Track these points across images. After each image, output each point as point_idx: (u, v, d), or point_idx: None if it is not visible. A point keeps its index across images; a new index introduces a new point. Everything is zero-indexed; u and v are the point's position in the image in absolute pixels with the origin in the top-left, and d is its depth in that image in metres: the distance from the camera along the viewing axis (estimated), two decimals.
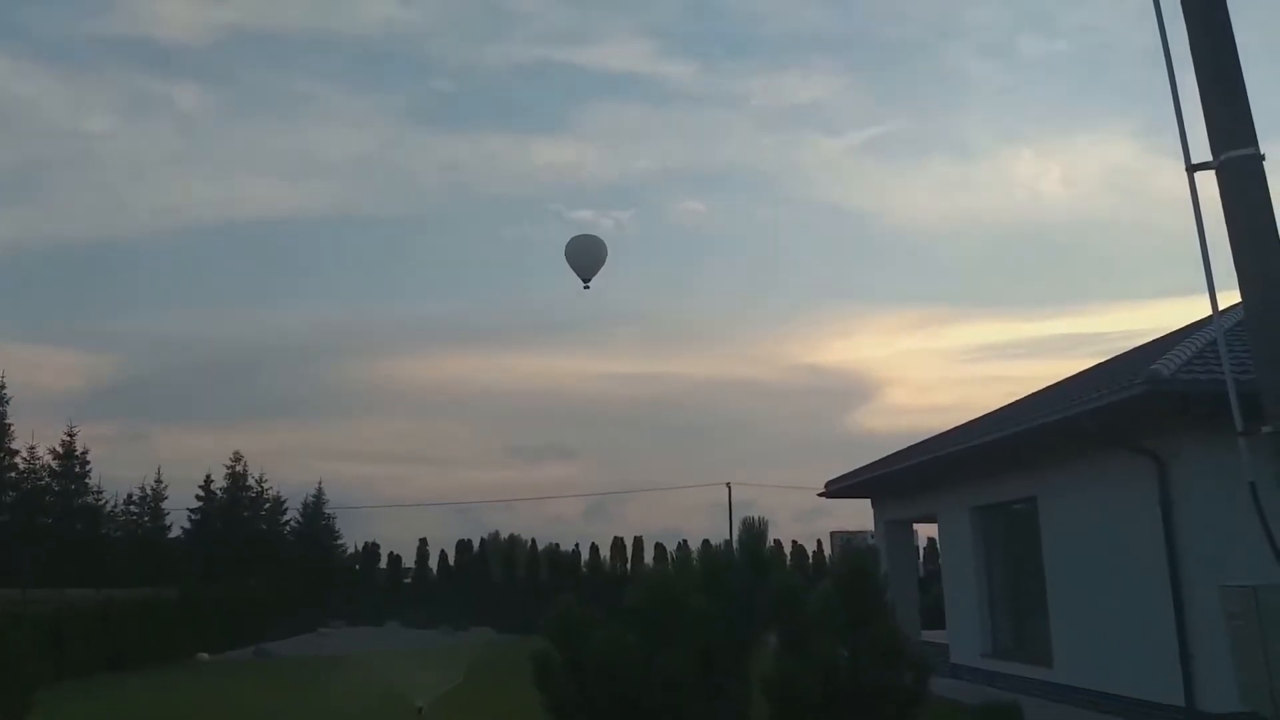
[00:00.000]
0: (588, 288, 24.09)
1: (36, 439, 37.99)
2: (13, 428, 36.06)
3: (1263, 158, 4.95)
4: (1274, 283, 4.86)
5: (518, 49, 63.55)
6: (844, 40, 66.81)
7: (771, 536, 6.18)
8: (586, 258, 24.33)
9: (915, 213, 71.21)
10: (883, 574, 5.50)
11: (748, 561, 5.21)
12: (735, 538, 6.11)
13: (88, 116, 60.93)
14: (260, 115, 64.94)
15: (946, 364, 77.05)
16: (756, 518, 5.53)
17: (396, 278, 75.77)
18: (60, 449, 37.64)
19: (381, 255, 73.68)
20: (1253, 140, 4.93)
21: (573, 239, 24.99)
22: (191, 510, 42.03)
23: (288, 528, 45.08)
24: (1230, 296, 5.55)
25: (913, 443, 19.47)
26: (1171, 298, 60.63)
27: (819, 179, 72.26)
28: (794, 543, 42.38)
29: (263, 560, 39.59)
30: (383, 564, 44.33)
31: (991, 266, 75.51)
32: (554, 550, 44.76)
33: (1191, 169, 5.07)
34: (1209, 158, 5.03)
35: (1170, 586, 10.72)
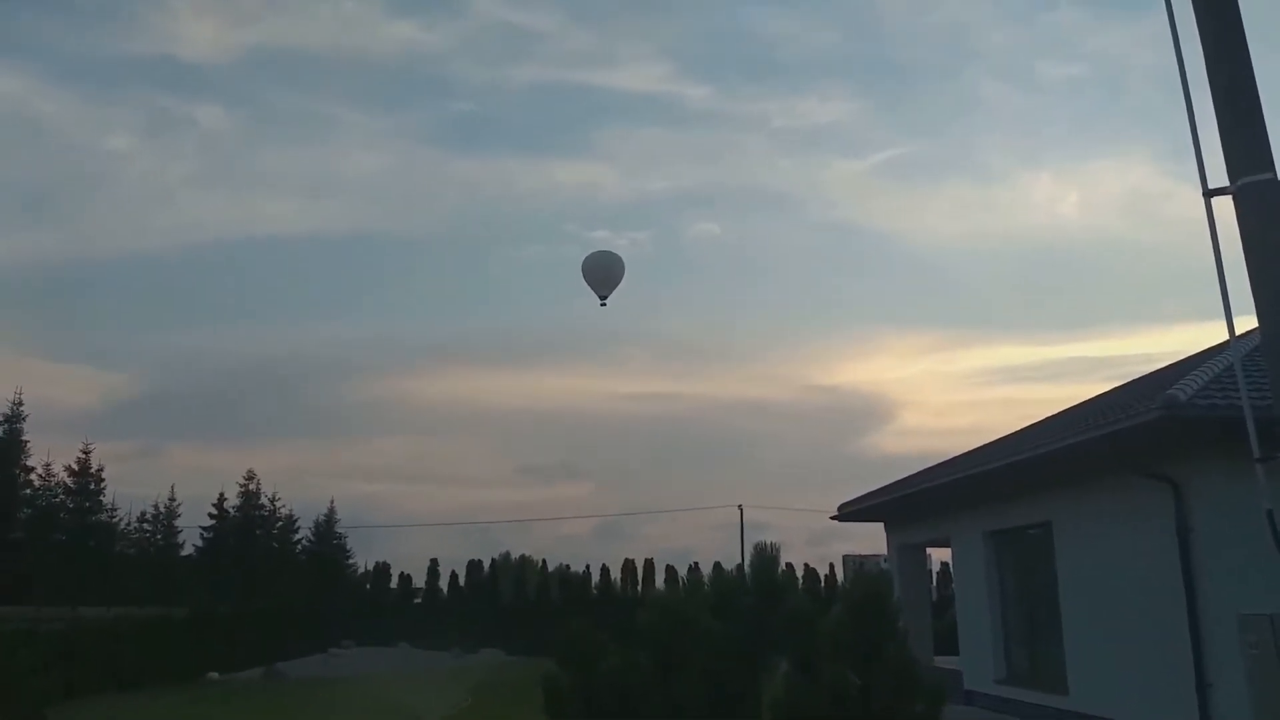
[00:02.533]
0: (604, 304, 24.10)
1: (52, 456, 38.02)
2: (29, 445, 36.21)
3: None
4: None
5: (536, 71, 63.97)
6: (862, 63, 67.01)
7: (784, 560, 6.16)
8: (603, 274, 24.35)
9: (933, 235, 71.11)
10: (895, 600, 5.45)
11: (759, 587, 5.17)
12: (747, 561, 6.08)
13: (109, 135, 61.49)
14: (281, 135, 65.46)
15: (962, 387, 76.69)
16: (769, 543, 5.50)
17: (413, 297, 75.99)
18: (75, 466, 37.79)
19: (398, 274, 73.97)
20: (1270, 165, 4.90)
21: (590, 255, 25.02)
22: (204, 528, 42.09)
23: (299, 547, 45.06)
24: (1248, 321, 5.51)
25: (927, 466, 19.37)
26: (1190, 321, 60.24)
27: (836, 201, 72.28)
28: (806, 566, 42.17)
29: (274, 579, 39.58)
30: (393, 584, 44.25)
31: (1009, 289, 75.23)
32: (565, 571, 44.59)
33: (1209, 194, 5.04)
34: (1226, 183, 5.00)
35: (1187, 614, 10.59)
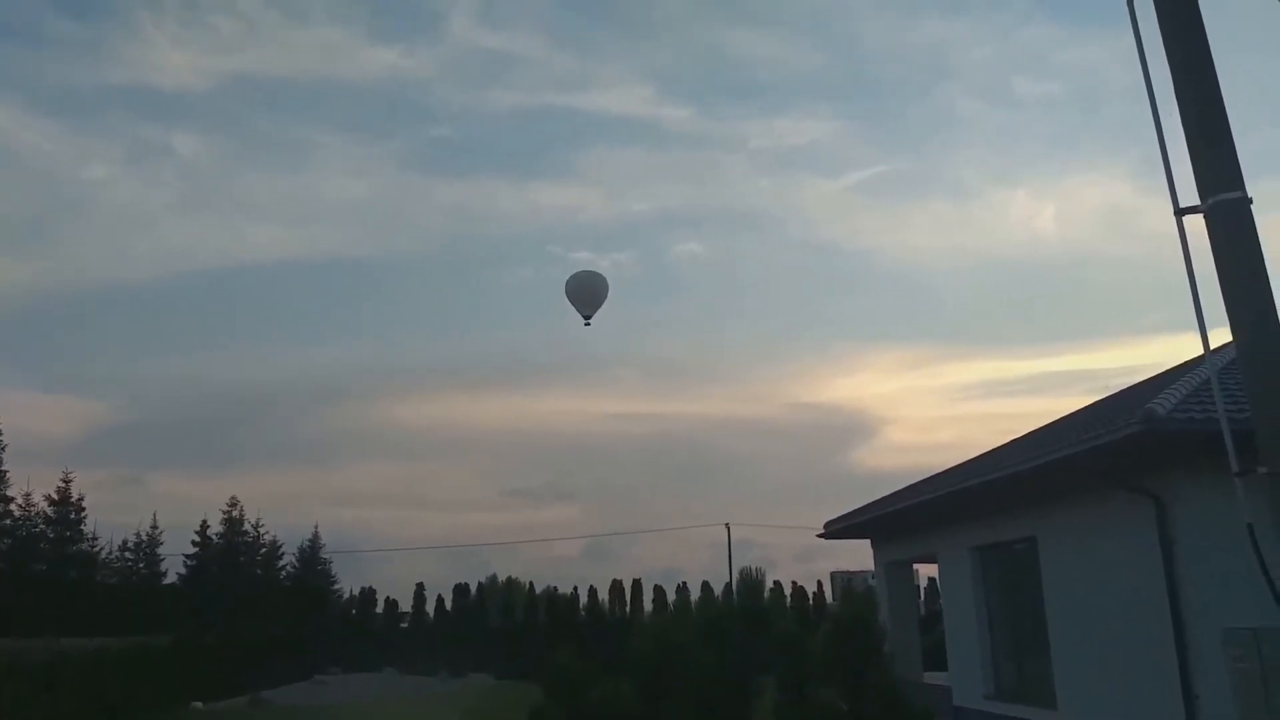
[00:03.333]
0: (589, 324, 24.08)
1: (32, 485, 37.72)
2: (8, 474, 35.84)
3: (1250, 201, 4.98)
4: (1264, 325, 4.87)
5: (518, 95, 64.37)
6: (840, 83, 67.67)
7: (771, 578, 6.20)
8: (588, 294, 24.36)
9: (912, 252, 71.70)
10: (881, 620, 5.45)
11: (746, 612, 5.17)
12: (734, 581, 6.07)
13: (88, 164, 61.44)
14: (262, 162, 65.57)
15: (945, 401, 77.12)
16: (754, 568, 5.50)
17: (396, 321, 76.04)
18: (55, 495, 37.42)
19: (382, 299, 73.98)
20: (1240, 184, 4.96)
21: (574, 275, 25.05)
22: (187, 556, 41.73)
23: (284, 573, 44.75)
24: (1223, 334, 5.56)
25: (913, 481, 19.42)
26: (1168, 333, 60.93)
27: (817, 219, 72.85)
28: (794, 584, 42.16)
29: (259, 606, 39.24)
30: (379, 609, 43.97)
31: (988, 304, 75.89)
32: (552, 593, 44.43)
33: (1180, 213, 5.10)
34: (1197, 201, 5.06)
35: (1173, 627, 10.63)
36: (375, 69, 61.35)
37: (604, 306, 24.61)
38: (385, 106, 65.58)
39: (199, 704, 27.11)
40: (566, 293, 24.40)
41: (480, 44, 60.55)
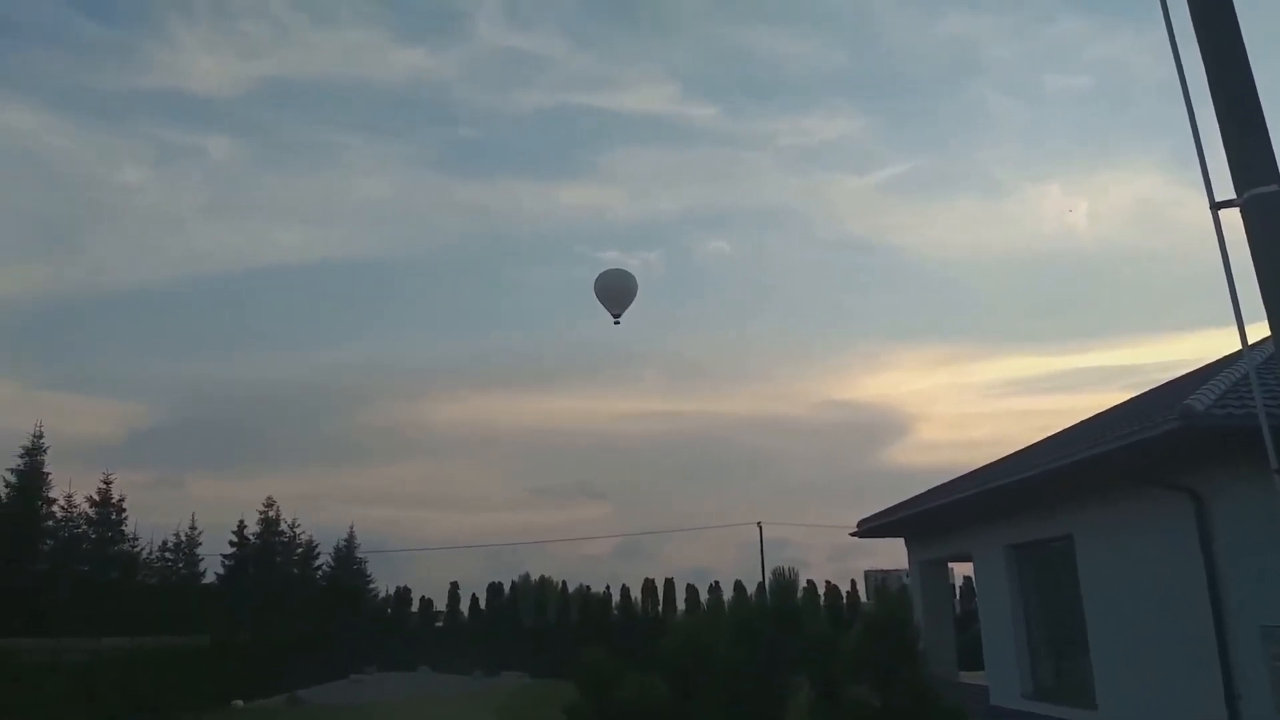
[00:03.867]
0: (618, 322, 24.11)
1: (73, 487, 38.29)
2: (50, 477, 36.47)
3: None
4: None
5: (542, 95, 64.59)
6: (867, 80, 67.29)
7: (805, 577, 6.20)
8: (617, 292, 24.39)
9: (943, 249, 71.13)
10: (915, 621, 5.44)
11: (778, 612, 5.18)
12: (767, 581, 6.07)
13: (119, 168, 62.37)
14: (290, 165, 66.27)
15: (978, 399, 76.42)
16: (786, 568, 5.51)
17: (425, 321, 76.55)
18: (96, 497, 38.03)
19: (410, 299, 74.51)
20: (1276, 176, 4.90)
21: (603, 273, 25.09)
22: (225, 556, 42.27)
23: (320, 573, 45.18)
24: (1261, 329, 5.49)
25: (947, 479, 19.29)
26: (1206, 328, 59.95)
27: (845, 217, 72.46)
28: (828, 583, 42.00)
29: (295, 606, 39.67)
30: (414, 608, 44.30)
31: (1021, 301, 75.11)
32: (585, 592, 44.56)
33: (1215, 207, 5.05)
34: (1233, 194, 5.01)
35: (1214, 625, 10.49)
36: (400, 70, 61.86)
37: (632, 305, 24.65)
38: (410, 107, 66.13)
39: (239, 702, 27.47)
40: (596, 291, 24.43)
41: (504, 44, 60.86)
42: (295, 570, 44.02)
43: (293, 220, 66.15)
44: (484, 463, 74.35)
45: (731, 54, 63.05)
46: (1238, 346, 5.09)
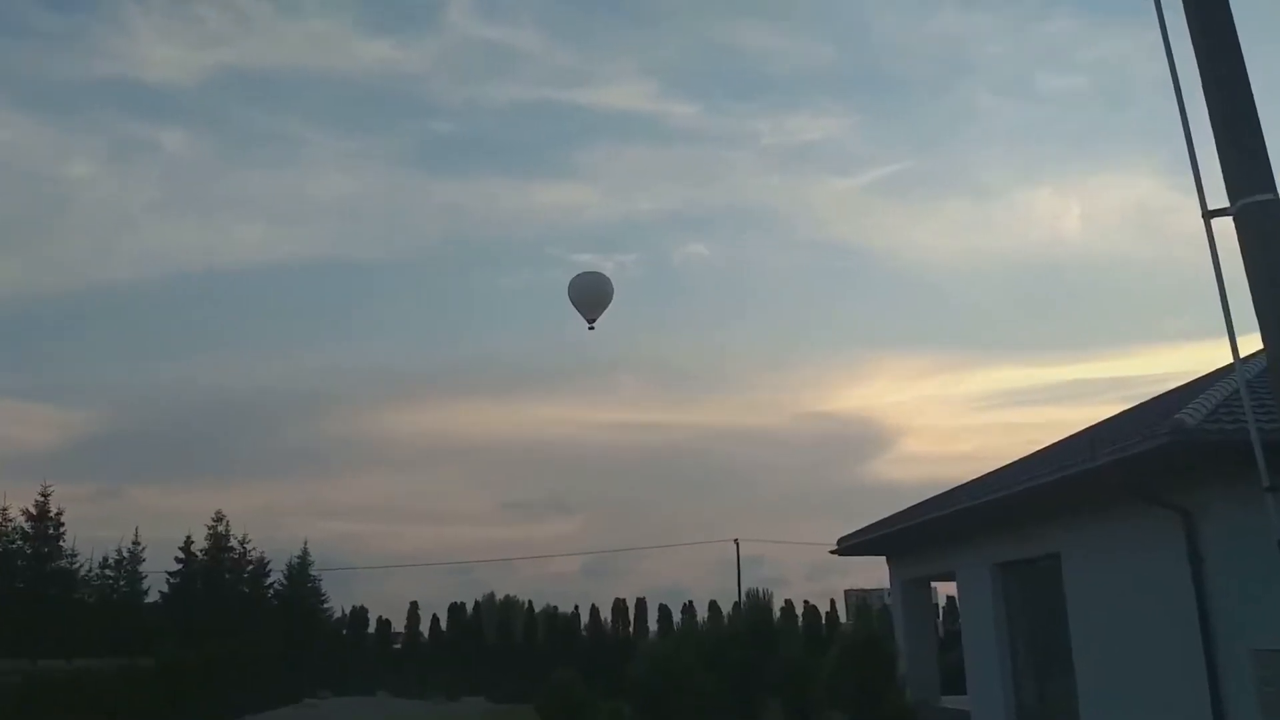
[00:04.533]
0: (593, 328, 24.06)
1: (8, 499, 37.67)
2: None
3: None
4: None
5: (518, 90, 64.49)
6: (854, 78, 67.76)
7: (783, 596, 6.18)
8: (591, 296, 24.34)
9: (930, 254, 71.64)
10: (896, 642, 5.44)
11: (753, 635, 5.15)
12: (742, 599, 6.06)
13: (70, 162, 61.63)
14: (250, 159, 65.73)
15: (965, 411, 77.01)
16: (761, 590, 5.50)
17: (390, 325, 76.06)
18: (33, 510, 37.43)
19: (375, 302, 74.07)
20: (1270, 186, 4.96)
21: (577, 276, 25.04)
22: (170, 574, 41.69)
23: (271, 591, 44.69)
24: (1254, 341, 5.54)
25: (930, 495, 19.39)
26: (1198, 339, 60.83)
27: (829, 219, 72.84)
28: (806, 603, 42.08)
29: (245, 626, 39.20)
30: (371, 629, 43.90)
31: (1010, 308, 75.82)
32: (552, 613, 44.35)
33: (1208, 215, 5.11)
34: (1227, 203, 5.07)
35: (1202, 647, 10.58)
36: (369, 62, 61.56)
37: (608, 309, 24.61)
38: (379, 101, 65.81)
39: None
40: (569, 295, 24.37)
41: (478, 37, 60.68)
42: (245, 589, 43.49)
43: (253, 218, 65.57)
44: (450, 475, 73.91)
45: (714, 49, 63.26)
46: (1230, 359, 5.14)
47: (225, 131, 63.32)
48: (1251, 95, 5.11)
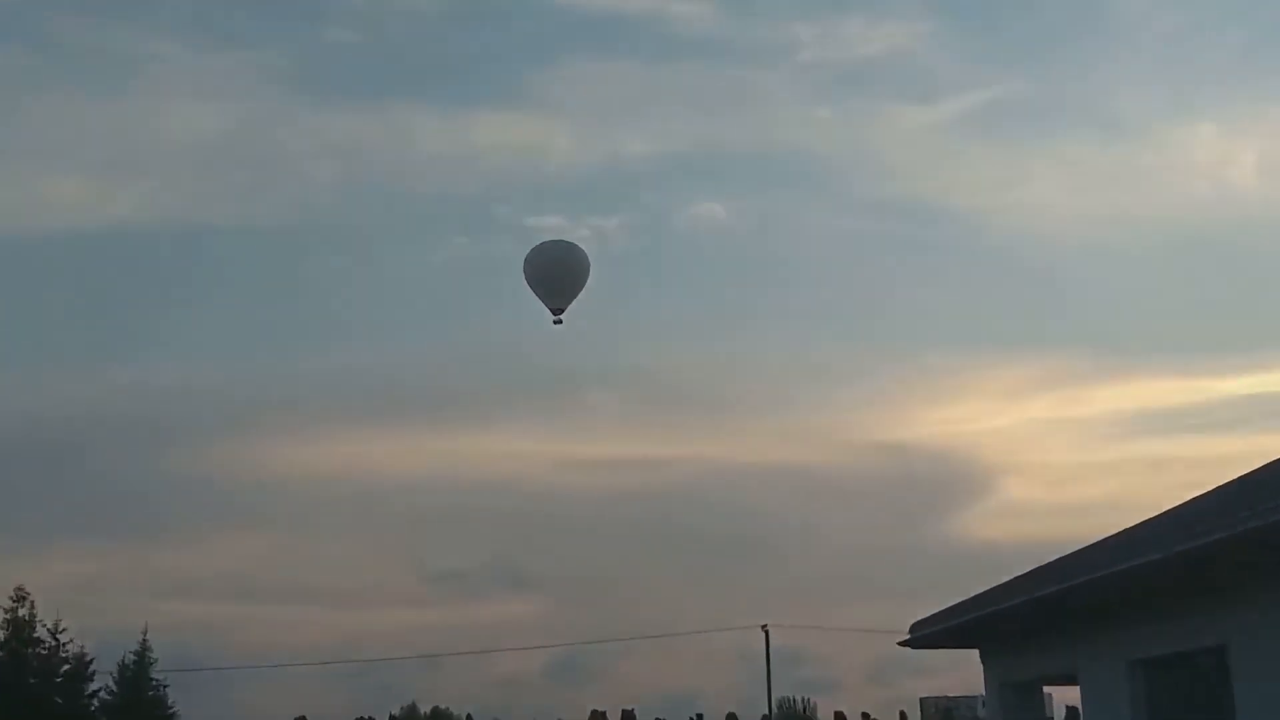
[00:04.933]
0: (559, 322, 24.19)
1: None
2: None
3: None
4: None
5: None
6: None
7: (831, 708, 6.21)
8: (558, 276, 24.49)
9: (1039, 217, 72.16)
10: None
11: None
12: (773, 711, 6.14)
13: None
14: (71, 84, 65.78)
15: (1091, 440, 77.70)
16: (800, 699, 5.55)
17: (267, 322, 76.11)
18: None
19: (245, 286, 74.07)
20: None
21: (536, 248, 25.26)
22: None
23: (96, 701, 44.79)
24: None
25: (1043, 562, 19.50)
26: None
27: (895, 169, 73.44)
28: (864, 716, 42.34)
29: None
30: None
31: (1156, 295, 76.35)
32: None
33: None
34: None
35: None
36: None
37: (581, 295, 24.75)
38: (254, 2, 65.93)
39: None
40: (525, 275, 24.54)
41: None
42: (59, 698, 43.60)
43: (68, 165, 65.69)
44: (350, 534, 74.07)
45: None
46: None
47: (37, 46, 63.38)
48: None
